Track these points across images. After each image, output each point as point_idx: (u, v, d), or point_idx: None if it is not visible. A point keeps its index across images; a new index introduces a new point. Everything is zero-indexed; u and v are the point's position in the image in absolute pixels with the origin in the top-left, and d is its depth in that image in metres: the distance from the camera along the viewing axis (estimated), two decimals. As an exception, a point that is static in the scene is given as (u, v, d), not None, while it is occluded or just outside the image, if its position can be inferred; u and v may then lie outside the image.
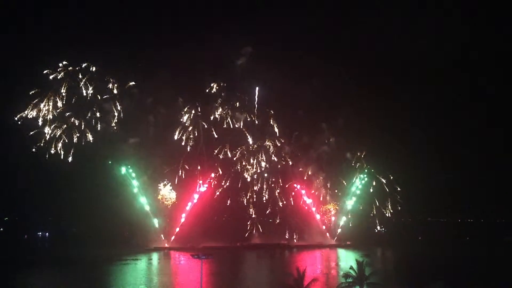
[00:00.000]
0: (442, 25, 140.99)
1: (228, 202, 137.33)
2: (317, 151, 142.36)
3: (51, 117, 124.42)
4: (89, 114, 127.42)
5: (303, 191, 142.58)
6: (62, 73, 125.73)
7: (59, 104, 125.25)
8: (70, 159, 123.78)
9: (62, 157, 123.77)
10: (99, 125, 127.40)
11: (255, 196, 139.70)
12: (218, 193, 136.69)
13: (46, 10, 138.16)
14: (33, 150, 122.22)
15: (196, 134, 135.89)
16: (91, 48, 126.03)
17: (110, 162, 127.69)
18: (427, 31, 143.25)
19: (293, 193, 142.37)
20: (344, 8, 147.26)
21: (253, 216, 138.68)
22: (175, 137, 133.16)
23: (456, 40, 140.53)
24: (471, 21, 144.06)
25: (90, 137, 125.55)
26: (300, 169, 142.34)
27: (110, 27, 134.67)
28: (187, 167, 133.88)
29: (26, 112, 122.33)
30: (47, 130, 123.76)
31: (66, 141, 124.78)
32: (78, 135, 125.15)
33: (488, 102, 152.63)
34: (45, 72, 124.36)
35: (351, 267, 52.10)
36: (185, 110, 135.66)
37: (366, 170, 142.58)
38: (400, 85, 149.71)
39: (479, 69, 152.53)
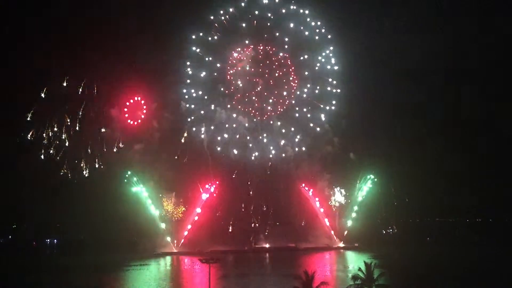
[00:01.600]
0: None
1: (234, 207, 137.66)
2: (321, 151, 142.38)
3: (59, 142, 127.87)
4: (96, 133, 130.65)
5: (310, 191, 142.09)
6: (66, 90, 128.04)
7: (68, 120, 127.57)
8: (76, 180, 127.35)
9: (69, 176, 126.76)
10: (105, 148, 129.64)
11: (261, 199, 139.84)
12: (224, 198, 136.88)
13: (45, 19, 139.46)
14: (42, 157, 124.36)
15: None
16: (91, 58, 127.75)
17: (120, 170, 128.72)
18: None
19: (300, 194, 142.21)
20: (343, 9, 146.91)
21: (259, 220, 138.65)
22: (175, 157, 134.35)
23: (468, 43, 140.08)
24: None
25: (98, 163, 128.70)
26: (304, 172, 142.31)
27: (108, 30, 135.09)
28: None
29: (31, 133, 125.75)
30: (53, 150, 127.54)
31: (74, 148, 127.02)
32: (85, 165, 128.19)
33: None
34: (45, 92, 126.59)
35: (359, 269, 52.06)
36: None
37: (372, 175, 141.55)
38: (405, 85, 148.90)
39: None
